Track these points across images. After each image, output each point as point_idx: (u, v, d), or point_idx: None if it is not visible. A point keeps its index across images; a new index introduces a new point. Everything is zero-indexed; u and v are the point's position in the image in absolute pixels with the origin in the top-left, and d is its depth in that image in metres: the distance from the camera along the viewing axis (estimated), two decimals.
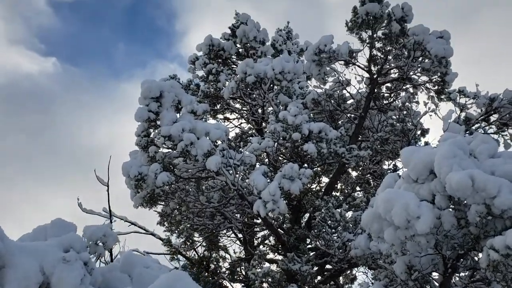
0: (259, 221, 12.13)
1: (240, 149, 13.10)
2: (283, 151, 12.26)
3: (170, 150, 9.70)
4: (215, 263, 12.04)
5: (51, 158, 29.13)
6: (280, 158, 12.64)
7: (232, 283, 11.86)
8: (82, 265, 3.01)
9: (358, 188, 14.27)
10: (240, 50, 14.72)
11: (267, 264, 10.52)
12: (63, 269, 2.94)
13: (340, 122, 13.39)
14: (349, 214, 11.92)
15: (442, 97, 11.73)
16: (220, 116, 14.64)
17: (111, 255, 4.47)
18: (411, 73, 12.06)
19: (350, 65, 12.48)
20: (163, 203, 10.99)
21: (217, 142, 9.72)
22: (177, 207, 10.98)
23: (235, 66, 14.67)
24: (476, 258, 5.95)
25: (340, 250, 10.05)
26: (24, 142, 29.03)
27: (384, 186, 6.23)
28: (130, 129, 9.83)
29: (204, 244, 12.26)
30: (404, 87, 12.81)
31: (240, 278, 12.04)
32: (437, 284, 6.79)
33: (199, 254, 12.14)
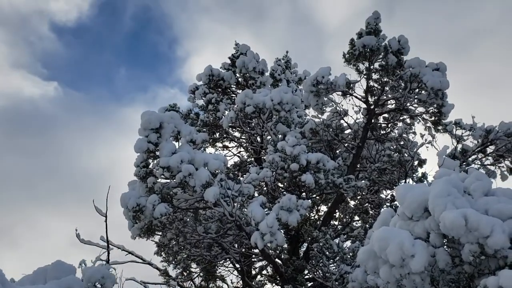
0: (256, 251, 12.11)
1: (239, 177, 13.17)
2: (282, 180, 12.32)
3: (168, 180, 9.75)
4: None
5: (51, 181, 29.13)
6: (278, 187, 12.70)
7: None
8: None
9: (356, 217, 14.29)
10: (239, 79, 14.94)
11: None
12: None
13: (338, 151, 13.49)
14: (347, 243, 11.93)
15: (439, 128, 11.85)
16: (219, 144, 14.76)
17: None
18: (407, 104, 12.21)
19: (348, 95, 12.66)
20: (160, 233, 10.98)
21: (215, 172, 9.78)
22: (175, 237, 10.96)
23: (235, 96, 14.87)
24: None
25: (338, 283, 10.00)
26: (24, 165, 29.08)
27: (380, 222, 6.29)
28: (130, 153, 9.90)
29: (201, 274, 12.20)
30: (401, 118, 12.94)
31: None
32: None
33: (196, 284, 12.06)
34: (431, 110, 11.93)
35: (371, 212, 13.80)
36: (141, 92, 39.62)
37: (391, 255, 4.96)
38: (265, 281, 12.76)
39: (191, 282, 12.02)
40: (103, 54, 35.79)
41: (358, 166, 13.19)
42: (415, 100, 12.04)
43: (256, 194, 11.90)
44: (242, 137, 14.62)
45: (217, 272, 12.76)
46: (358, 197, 13.46)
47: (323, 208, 14.11)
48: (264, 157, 12.75)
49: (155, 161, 9.55)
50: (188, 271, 11.81)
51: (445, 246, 5.31)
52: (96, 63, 35.55)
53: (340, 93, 12.59)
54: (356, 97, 12.59)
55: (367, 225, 12.85)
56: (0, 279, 3.04)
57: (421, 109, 12.20)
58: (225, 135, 14.38)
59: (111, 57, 36.29)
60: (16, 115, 30.71)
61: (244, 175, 11.79)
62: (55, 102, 34.15)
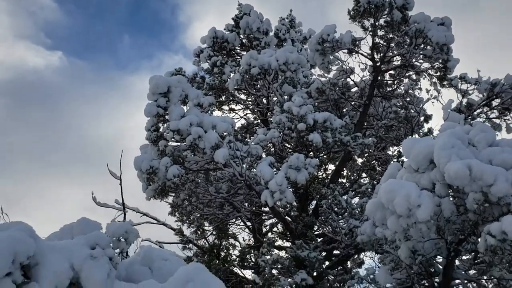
0: (267, 209, 12.43)
1: (247, 139, 13.36)
2: (289, 141, 12.49)
3: (179, 143, 9.96)
4: (225, 251, 12.36)
5: (59, 152, 29.51)
6: (286, 147, 12.88)
7: (242, 270, 12.22)
8: (108, 261, 3.28)
9: (364, 175, 14.53)
10: (243, 41, 14.87)
11: (276, 251, 10.82)
12: (91, 265, 3.21)
13: (345, 110, 13.59)
14: (355, 200, 12.20)
15: (444, 83, 11.88)
16: (225, 107, 14.86)
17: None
18: (413, 60, 12.19)
19: (354, 53, 12.64)
20: (173, 194, 11.30)
21: (224, 135, 9.96)
22: (188, 198, 11.29)
23: (239, 58, 14.84)
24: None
25: (347, 237, 10.32)
26: (31, 136, 29.39)
27: (387, 176, 6.49)
28: (137, 120, 10.15)
29: (214, 233, 12.60)
30: (407, 74, 12.96)
31: (250, 265, 12.37)
32: (441, 267, 7.07)
33: (209, 242, 12.47)
34: (437, 66, 11.93)
35: (378, 169, 14.02)
36: (145, 60, 39.48)
37: (398, 206, 5.16)
38: (276, 238, 13.15)
39: (205, 240, 12.43)
40: (105, 22, 35.46)
41: (365, 124, 13.31)
42: (421, 56, 12.02)
43: (264, 156, 12.12)
44: (248, 99, 14.70)
45: (229, 230, 13.17)
46: (366, 155, 13.66)
47: (331, 167, 14.34)
48: (271, 119, 12.88)
49: (165, 125, 9.74)
50: (201, 230, 12.22)
51: (450, 196, 5.51)
52: (99, 31, 35.29)
53: (346, 51, 12.57)
54: (362, 54, 12.58)
55: (374, 182, 13.10)
56: (32, 235, 3.26)
57: (426, 65, 12.20)
58: (231, 98, 14.45)
59: (114, 25, 35.97)
60: (22, 87, 30.77)
61: (252, 137, 11.98)
62: (60, 72, 34.15)
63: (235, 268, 12.27)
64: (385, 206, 5.45)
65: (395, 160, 12.78)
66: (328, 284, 10.42)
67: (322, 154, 12.46)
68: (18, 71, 31.46)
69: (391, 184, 5.39)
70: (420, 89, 12.84)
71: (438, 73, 11.94)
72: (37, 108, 30.87)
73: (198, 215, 11.96)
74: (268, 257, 9.68)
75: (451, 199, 5.47)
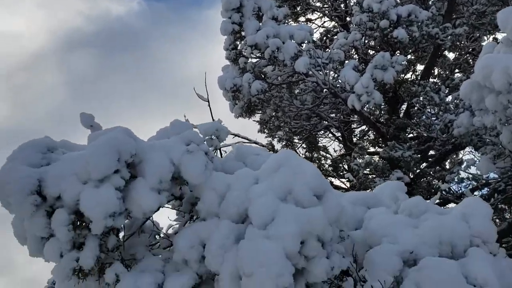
0: (355, 118, 12.23)
1: (327, 49, 12.95)
2: (372, 43, 11.92)
3: (258, 59, 9.95)
4: (317, 161, 12.53)
5: (150, 93, 31.00)
6: (369, 52, 12.34)
7: (337, 179, 12.36)
8: (203, 154, 3.47)
9: (456, 71, 13.58)
10: None
11: (368, 156, 10.72)
12: (189, 158, 3.42)
13: (430, 2, 12.54)
14: (449, 98, 11.54)
15: None
16: (301, 18, 14.37)
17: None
18: None
19: None
20: (260, 112, 11.49)
21: (302, 44, 9.75)
22: (274, 113, 11.42)
23: None
24: None
25: (444, 135, 9.87)
26: (121, 81, 31.03)
27: (482, 55, 5.98)
28: (220, 53, 10.13)
29: (304, 145, 12.74)
30: None
31: (343, 173, 12.45)
32: None
33: (301, 155, 12.66)
34: None
35: (472, 62, 13.00)
36: None
37: (496, 81, 4.76)
38: (368, 145, 13.00)
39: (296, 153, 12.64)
40: None
41: (454, 14, 12.22)
42: None
43: (346, 62, 11.73)
44: (325, 6, 14.07)
45: (319, 142, 13.22)
46: (457, 48, 12.67)
47: (420, 68, 13.57)
48: (351, 23, 12.27)
49: (243, 42, 9.73)
50: (291, 143, 12.41)
51: None
52: None
53: None
54: None
55: (468, 75, 12.21)
56: (131, 136, 3.51)
57: None
58: (306, 7, 13.91)
59: None
60: (108, 35, 32.25)
61: (332, 44, 11.56)
62: (141, 16, 35.17)
63: (330, 178, 12.44)
64: (482, 84, 5.06)
65: None
66: (427, 183, 10.21)
67: (409, 52, 11.76)
68: (102, 21, 32.88)
69: (487, 59, 4.97)
70: None
71: None
72: (125, 54, 32.34)
73: (287, 129, 12.10)
74: (361, 160, 9.65)
75: None
